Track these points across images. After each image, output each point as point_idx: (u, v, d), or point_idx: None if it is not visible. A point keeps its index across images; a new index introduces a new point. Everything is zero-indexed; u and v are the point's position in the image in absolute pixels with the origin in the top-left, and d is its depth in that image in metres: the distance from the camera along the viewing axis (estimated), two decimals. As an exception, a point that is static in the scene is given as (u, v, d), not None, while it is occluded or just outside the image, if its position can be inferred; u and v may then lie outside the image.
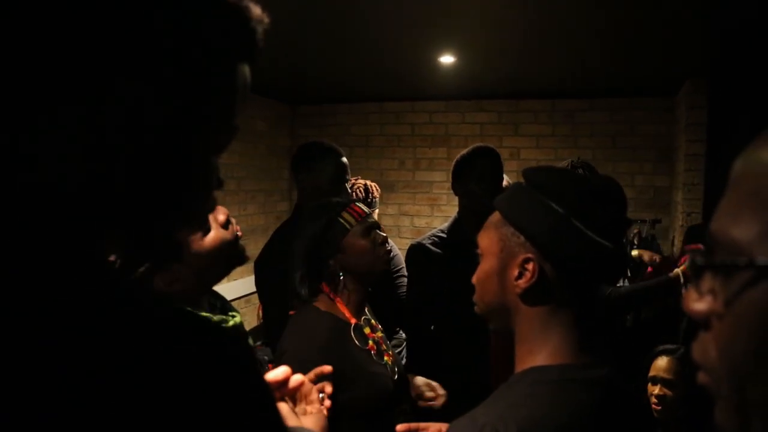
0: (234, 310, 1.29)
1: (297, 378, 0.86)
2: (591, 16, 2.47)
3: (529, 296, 0.84)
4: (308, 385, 1.02)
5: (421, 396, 1.59)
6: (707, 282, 0.40)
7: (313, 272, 1.49)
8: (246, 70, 0.55)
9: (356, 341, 1.45)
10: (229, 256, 1.19)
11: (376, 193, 2.73)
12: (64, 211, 0.46)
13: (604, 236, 0.80)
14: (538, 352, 0.83)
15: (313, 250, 1.48)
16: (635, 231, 3.85)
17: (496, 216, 0.91)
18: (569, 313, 0.83)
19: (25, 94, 0.44)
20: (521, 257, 0.84)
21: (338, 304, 1.49)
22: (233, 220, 1.23)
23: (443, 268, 2.06)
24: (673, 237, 4.03)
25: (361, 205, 1.56)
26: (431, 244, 2.14)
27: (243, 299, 4.28)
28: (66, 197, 0.45)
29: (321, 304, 1.48)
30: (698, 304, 0.40)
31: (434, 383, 1.61)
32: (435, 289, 2.05)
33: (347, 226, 1.49)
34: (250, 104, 4.51)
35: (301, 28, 2.74)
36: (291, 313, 1.55)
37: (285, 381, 0.88)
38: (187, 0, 0.47)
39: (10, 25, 0.44)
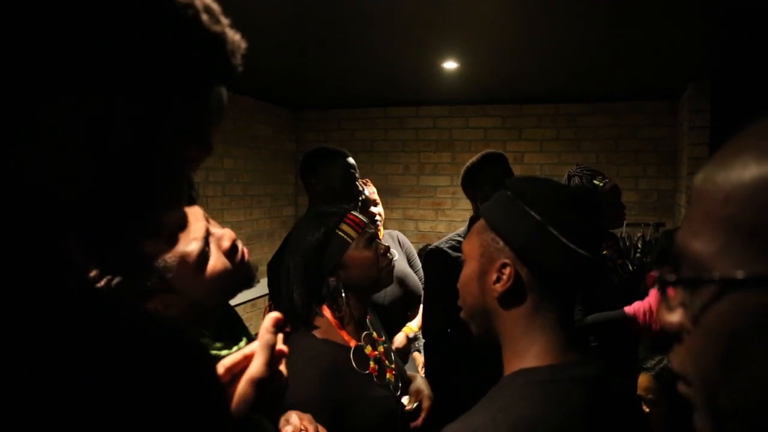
0: (244, 329, 1.19)
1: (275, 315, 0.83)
2: (593, 20, 2.49)
3: (507, 300, 0.87)
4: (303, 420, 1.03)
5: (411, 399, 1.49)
6: (677, 296, 0.41)
7: (312, 293, 1.39)
8: (222, 92, 0.55)
9: (356, 366, 1.37)
10: (231, 285, 1.10)
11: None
12: (29, 216, 0.46)
13: (578, 244, 0.83)
14: (524, 353, 0.85)
15: (311, 269, 1.38)
16: (639, 235, 3.86)
17: (480, 222, 0.94)
18: (549, 316, 0.85)
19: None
20: (499, 262, 0.87)
21: (337, 328, 1.39)
22: (240, 244, 1.14)
23: (461, 271, 2.08)
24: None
25: (357, 213, 1.48)
26: (449, 248, 2.17)
27: (249, 303, 4.30)
28: (31, 203, 0.45)
29: (318, 330, 1.38)
30: (669, 317, 0.42)
31: (423, 392, 1.50)
32: (453, 293, 2.07)
33: (348, 239, 1.40)
34: (254, 110, 4.54)
35: (305, 34, 2.77)
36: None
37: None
38: (164, 21, 0.48)
39: None
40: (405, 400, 1.44)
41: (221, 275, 1.05)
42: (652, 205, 4.37)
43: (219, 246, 1.07)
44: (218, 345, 1.04)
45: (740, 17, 2.38)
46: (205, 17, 0.50)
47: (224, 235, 1.09)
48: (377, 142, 5.06)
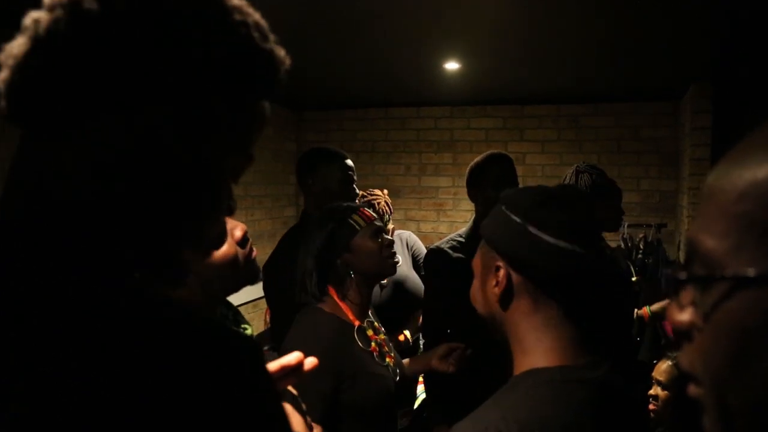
0: (245, 322, 1.28)
1: (311, 361, 0.87)
2: (595, 21, 2.49)
3: (507, 302, 0.90)
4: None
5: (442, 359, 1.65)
6: (688, 294, 0.41)
7: (321, 272, 1.52)
8: (266, 105, 0.57)
9: (359, 342, 1.48)
10: (239, 273, 1.17)
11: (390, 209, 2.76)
12: (82, 226, 0.48)
13: (562, 238, 0.85)
14: (532, 353, 0.87)
15: (323, 250, 1.51)
16: (641, 236, 3.85)
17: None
18: (550, 314, 0.87)
19: (52, 115, 0.47)
20: (493, 267, 0.91)
21: (342, 307, 1.52)
22: (251, 240, 1.21)
23: (462, 272, 2.08)
24: (679, 241, 4.03)
25: (368, 209, 1.60)
26: (450, 248, 2.16)
27: (250, 304, 4.30)
28: (82, 214, 0.48)
29: (325, 306, 1.51)
30: (680, 316, 0.41)
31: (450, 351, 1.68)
32: (453, 293, 2.07)
33: (357, 226, 1.53)
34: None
35: (307, 35, 2.76)
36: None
37: (298, 366, 0.88)
38: (216, 34, 0.50)
39: (41, 46, 0.46)
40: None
41: (232, 261, 1.14)
42: (653, 206, 4.37)
43: (232, 235, 1.16)
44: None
45: (742, 18, 2.38)
46: (256, 35, 0.53)
47: (237, 225, 1.18)
48: (378, 142, 5.05)
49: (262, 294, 4.33)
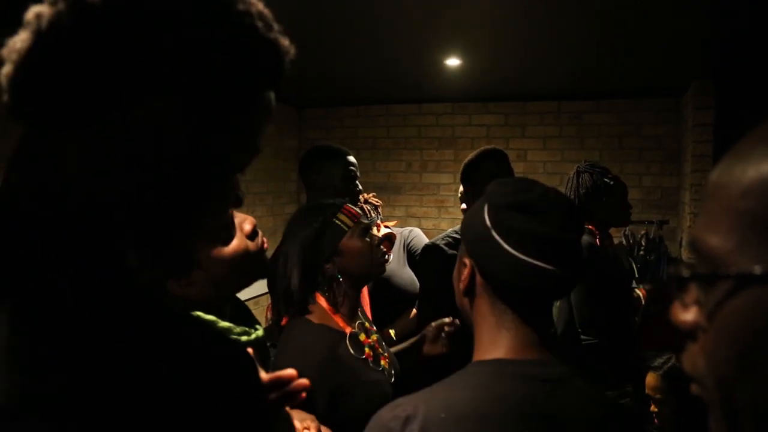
0: (256, 321, 1.26)
1: (303, 382, 0.87)
2: (596, 17, 2.48)
3: (470, 297, 0.91)
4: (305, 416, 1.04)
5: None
6: (692, 293, 0.41)
7: (308, 279, 1.42)
8: (271, 96, 0.57)
9: (352, 351, 1.40)
10: (249, 268, 1.15)
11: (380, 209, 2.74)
12: (90, 220, 0.48)
13: (526, 252, 0.81)
14: (482, 347, 0.88)
15: (308, 255, 1.42)
16: (642, 233, 3.85)
17: None
18: (506, 316, 0.86)
19: (56, 110, 0.47)
20: (461, 262, 0.93)
21: (332, 314, 1.44)
22: (260, 232, 1.19)
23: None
24: (681, 238, 4.02)
25: (353, 206, 1.53)
26: (446, 244, 2.16)
27: (252, 301, 4.30)
28: (88, 207, 0.48)
29: (314, 315, 1.42)
30: (684, 315, 0.41)
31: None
32: (448, 290, 2.07)
33: (344, 228, 1.45)
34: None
35: (307, 32, 2.76)
36: (282, 323, 1.50)
37: (289, 381, 0.89)
38: (220, 24, 0.49)
39: (53, 42, 0.46)
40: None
41: (242, 255, 1.12)
42: (655, 202, 4.36)
43: (241, 228, 1.14)
44: (237, 330, 1.11)
45: (744, 14, 2.37)
46: (260, 24, 0.52)
47: (246, 218, 1.17)
48: (380, 139, 5.05)
49: (262, 291, 4.34)
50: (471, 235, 0.89)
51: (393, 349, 1.66)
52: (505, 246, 0.82)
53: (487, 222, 0.85)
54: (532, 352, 0.85)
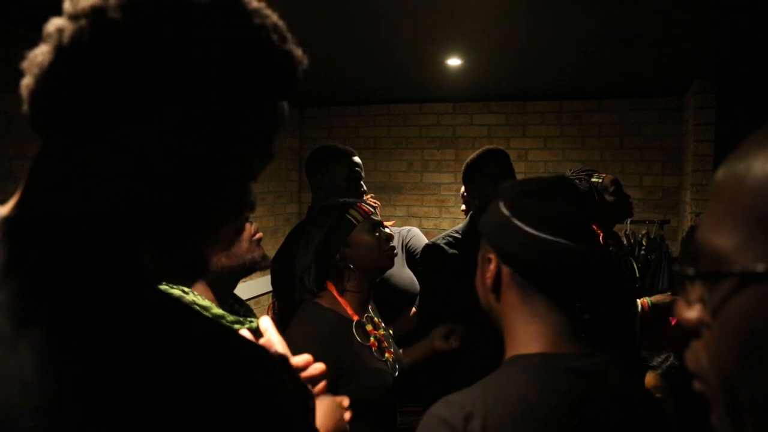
0: (254, 316, 1.30)
1: (318, 367, 0.88)
2: (597, 16, 2.48)
3: (498, 293, 0.93)
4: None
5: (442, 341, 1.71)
6: (696, 291, 0.41)
7: (320, 267, 1.53)
8: (284, 105, 0.59)
9: (357, 337, 1.49)
10: (242, 257, 1.20)
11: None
12: (107, 228, 0.49)
13: (545, 230, 0.86)
14: (519, 341, 0.90)
15: (322, 245, 1.53)
16: (643, 232, 3.85)
17: None
18: (538, 304, 0.89)
19: (76, 122, 0.48)
20: (485, 258, 0.95)
21: (341, 302, 1.53)
22: (255, 224, 1.25)
23: (458, 268, 2.08)
24: (682, 238, 4.02)
25: (366, 204, 1.62)
26: (446, 244, 2.16)
27: (252, 300, 4.30)
28: (109, 216, 0.49)
29: (324, 300, 1.52)
30: (688, 313, 0.41)
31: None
32: (449, 290, 2.07)
33: (354, 221, 1.54)
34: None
35: (308, 31, 2.76)
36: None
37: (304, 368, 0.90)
38: (237, 38, 0.51)
39: (70, 50, 0.47)
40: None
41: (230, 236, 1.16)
42: (656, 202, 4.36)
43: None
44: (230, 318, 1.15)
45: (746, 13, 2.36)
46: (275, 37, 0.54)
47: None
48: (381, 139, 5.05)
49: (264, 290, 4.35)
50: (491, 228, 0.93)
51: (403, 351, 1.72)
52: (525, 227, 0.87)
53: (505, 212, 0.90)
54: (568, 344, 0.88)
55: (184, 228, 0.52)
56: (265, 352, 0.55)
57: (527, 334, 0.89)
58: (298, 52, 0.57)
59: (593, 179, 2.34)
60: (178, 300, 0.54)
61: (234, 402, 0.47)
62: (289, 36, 0.56)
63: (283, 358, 0.73)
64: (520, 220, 0.87)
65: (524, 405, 0.79)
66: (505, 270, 0.91)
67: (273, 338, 0.84)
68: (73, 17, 0.48)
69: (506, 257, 0.90)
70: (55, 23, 0.49)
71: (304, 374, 0.87)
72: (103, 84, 0.47)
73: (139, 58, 0.47)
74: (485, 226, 0.95)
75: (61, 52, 0.48)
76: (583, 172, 2.38)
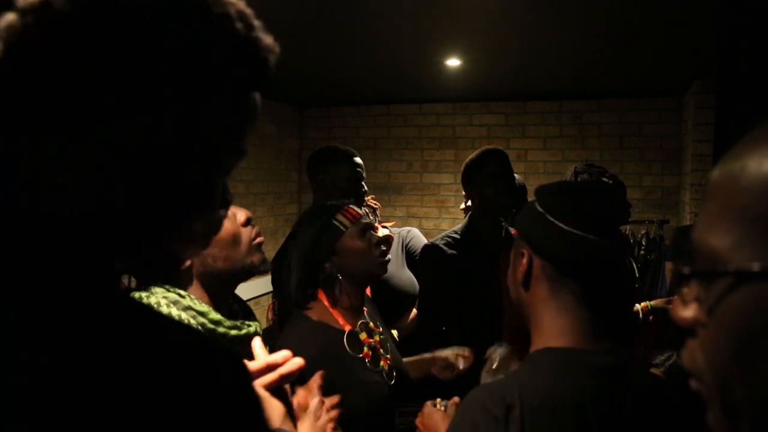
0: (254, 318, 1.28)
1: (297, 361, 0.89)
2: (597, 16, 2.48)
3: (528, 285, 0.98)
4: (303, 394, 1.05)
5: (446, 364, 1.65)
6: (692, 290, 0.41)
7: (308, 277, 1.47)
8: (256, 97, 0.56)
9: (349, 350, 1.43)
10: (245, 256, 1.21)
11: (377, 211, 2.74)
12: (72, 234, 0.47)
13: (576, 226, 0.92)
14: (546, 334, 0.95)
15: (308, 254, 1.46)
16: (643, 232, 3.84)
17: None
18: (566, 298, 0.94)
19: (37, 120, 0.46)
20: (518, 252, 1.01)
21: (333, 312, 1.46)
22: (257, 227, 1.26)
23: (457, 268, 2.08)
24: (671, 236, 4.02)
25: (354, 206, 1.56)
26: (445, 244, 2.16)
27: (252, 301, 4.30)
28: (72, 220, 0.47)
29: (314, 312, 1.45)
30: (684, 312, 0.42)
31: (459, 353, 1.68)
32: (448, 290, 2.07)
33: (342, 228, 1.47)
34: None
35: (308, 32, 2.76)
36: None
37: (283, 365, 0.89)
38: (198, 28, 0.49)
39: (25, 52, 0.46)
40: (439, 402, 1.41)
41: (233, 238, 1.17)
42: (656, 202, 4.36)
43: (234, 217, 1.20)
44: (227, 324, 1.15)
45: (746, 13, 2.37)
46: (239, 25, 0.51)
47: (241, 210, 1.22)
48: (380, 139, 5.05)
49: (264, 291, 4.35)
50: (526, 224, 0.99)
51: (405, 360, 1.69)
52: (558, 223, 0.93)
53: (540, 209, 0.97)
54: (595, 340, 0.92)
55: (154, 226, 0.50)
56: (236, 363, 0.53)
57: (554, 328, 0.94)
58: (268, 39, 0.54)
59: (603, 179, 2.34)
60: (148, 307, 0.53)
61: (191, 413, 0.46)
62: (257, 23, 0.53)
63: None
64: (552, 216, 0.94)
65: (555, 399, 0.83)
66: (537, 263, 0.96)
67: (261, 362, 0.86)
68: (22, 12, 0.46)
69: (538, 249, 0.96)
70: (7, 18, 0.47)
71: (282, 370, 0.87)
72: (56, 83, 0.45)
73: (90, 54, 0.45)
74: (520, 224, 1.02)
75: (9, 50, 0.46)
76: (595, 168, 2.34)
